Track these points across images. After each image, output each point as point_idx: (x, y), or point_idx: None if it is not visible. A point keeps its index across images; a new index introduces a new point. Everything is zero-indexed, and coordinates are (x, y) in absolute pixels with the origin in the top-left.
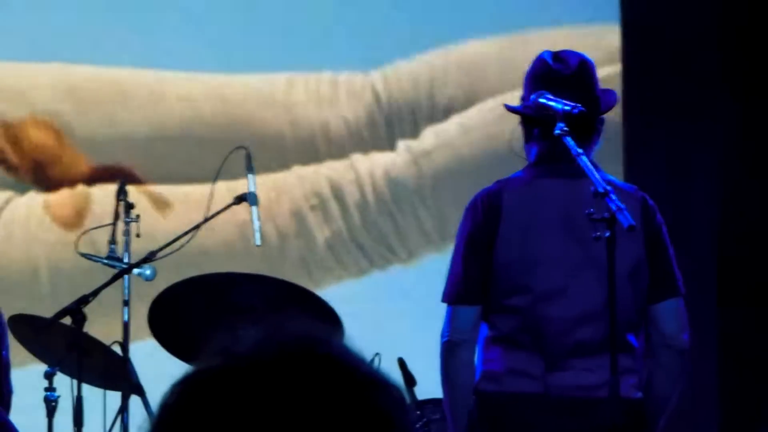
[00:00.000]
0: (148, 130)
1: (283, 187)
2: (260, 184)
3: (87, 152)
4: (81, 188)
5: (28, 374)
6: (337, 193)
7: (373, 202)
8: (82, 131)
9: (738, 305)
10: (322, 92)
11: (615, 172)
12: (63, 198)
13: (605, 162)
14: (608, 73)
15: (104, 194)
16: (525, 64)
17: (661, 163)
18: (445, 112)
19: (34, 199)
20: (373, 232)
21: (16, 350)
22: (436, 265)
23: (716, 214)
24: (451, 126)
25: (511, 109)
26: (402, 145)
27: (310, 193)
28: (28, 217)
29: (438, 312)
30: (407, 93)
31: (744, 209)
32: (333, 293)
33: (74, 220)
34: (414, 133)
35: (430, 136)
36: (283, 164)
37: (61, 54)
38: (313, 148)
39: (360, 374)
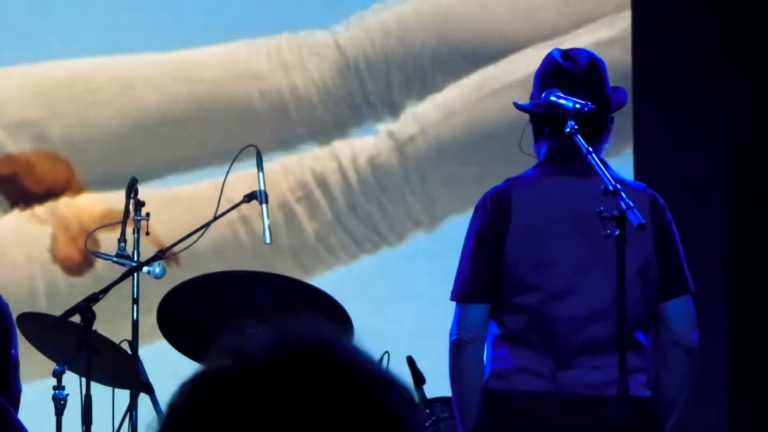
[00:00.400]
0: (122, 123)
1: (270, 182)
2: (244, 180)
3: (65, 155)
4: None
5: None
6: (322, 183)
7: (358, 189)
8: (57, 135)
9: (748, 304)
10: (284, 56)
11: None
12: (66, 241)
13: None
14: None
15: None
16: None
17: (671, 159)
18: (417, 59)
19: (20, 215)
20: (362, 218)
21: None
22: (448, 264)
23: (725, 210)
24: (431, 109)
25: (520, 107)
26: (383, 130)
27: (295, 186)
28: (19, 235)
29: (448, 310)
30: (376, 43)
31: (753, 205)
32: (343, 291)
33: (80, 263)
34: (388, 87)
35: (411, 121)
36: (261, 137)
37: (17, 55)
38: (285, 115)
39: (368, 374)
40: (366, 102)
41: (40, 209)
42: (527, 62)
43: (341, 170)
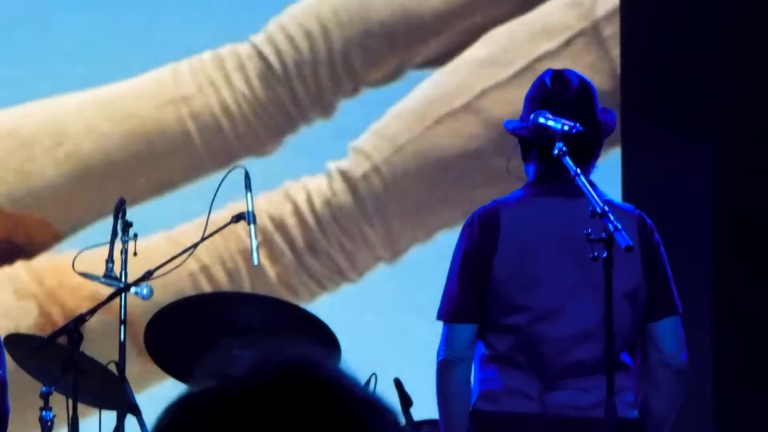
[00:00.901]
0: (60, 174)
1: (227, 230)
2: (200, 227)
3: (11, 211)
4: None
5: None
6: (280, 226)
7: (317, 229)
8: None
9: (735, 323)
10: (210, 75)
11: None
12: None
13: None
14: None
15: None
16: None
17: (659, 176)
18: (344, 51)
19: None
20: (323, 258)
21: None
22: (437, 284)
23: (711, 225)
24: (381, 144)
25: (510, 130)
26: (333, 168)
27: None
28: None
29: (435, 331)
30: (298, 44)
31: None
32: (331, 314)
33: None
34: (318, 87)
35: (362, 159)
36: (201, 160)
37: None
38: (221, 134)
39: (353, 397)
40: (297, 106)
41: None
42: (467, 86)
43: (297, 212)
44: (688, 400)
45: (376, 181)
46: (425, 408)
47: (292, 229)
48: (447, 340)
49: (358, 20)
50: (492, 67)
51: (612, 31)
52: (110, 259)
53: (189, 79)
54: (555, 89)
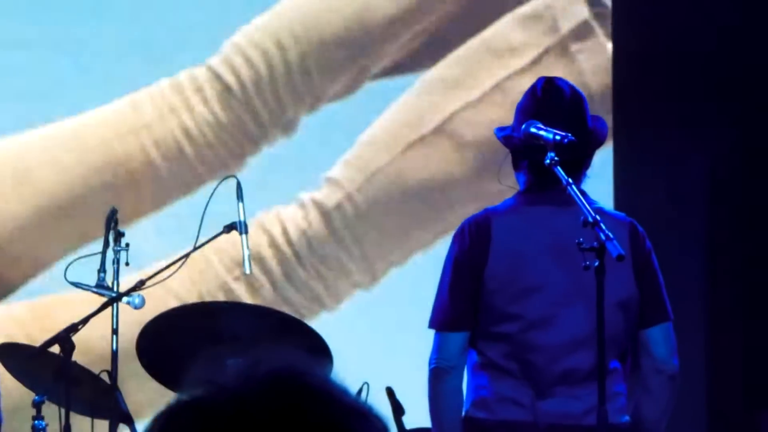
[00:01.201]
0: (25, 212)
1: (204, 263)
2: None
3: None
4: None
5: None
6: (257, 259)
7: (294, 260)
8: None
9: (726, 328)
10: (169, 101)
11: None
12: None
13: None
14: None
15: None
16: None
17: (653, 177)
18: (302, 66)
19: None
20: (301, 288)
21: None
22: (428, 294)
23: (705, 229)
24: (353, 174)
25: (501, 139)
26: (307, 199)
27: (231, 265)
28: None
29: (427, 339)
30: (255, 63)
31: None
32: (324, 323)
33: None
34: (279, 104)
35: (335, 188)
36: (166, 186)
37: None
38: (184, 159)
39: (342, 404)
40: (259, 126)
41: None
42: (436, 109)
43: (274, 245)
44: (679, 406)
45: (350, 209)
46: (417, 417)
47: (270, 261)
48: (438, 348)
49: (314, 33)
50: (460, 89)
51: (579, 46)
52: (102, 269)
53: (149, 107)
54: (546, 98)
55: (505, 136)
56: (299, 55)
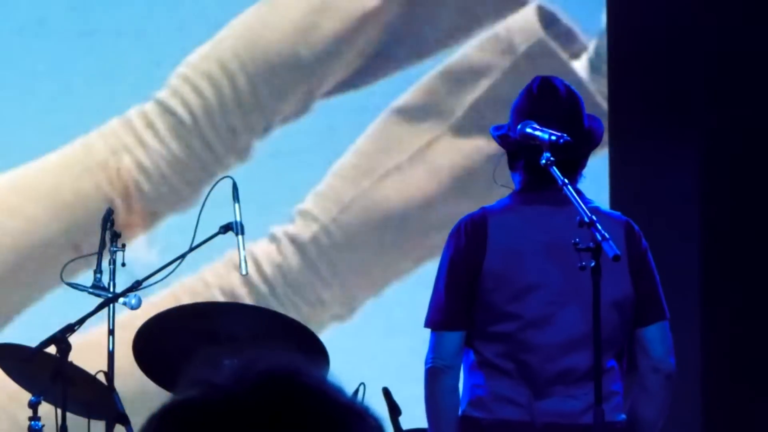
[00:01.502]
0: None
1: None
2: (148, 311)
3: None
4: None
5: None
6: (232, 297)
7: (269, 295)
8: None
9: (722, 327)
10: (122, 139)
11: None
12: None
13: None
14: None
15: None
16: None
17: (647, 176)
18: (251, 90)
19: None
20: None
21: None
22: (423, 295)
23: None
24: (324, 204)
25: (497, 139)
26: (280, 233)
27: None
28: None
29: (423, 339)
30: (204, 92)
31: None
32: (320, 325)
33: None
34: (230, 131)
35: (309, 221)
36: (129, 224)
37: None
38: (143, 196)
39: (337, 404)
40: (212, 153)
41: None
42: (410, 138)
43: (248, 282)
44: (676, 405)
45: (326, 241)
46: (414, 417)
47: (245, 300)
48: (434, 348)
49: (260, 56)
50: (432, 117)
51: (534, 65)
52: (98, 270)
53: (101, 147)
54: (542, 97)
55: (501, 135)
56: (247, 79)
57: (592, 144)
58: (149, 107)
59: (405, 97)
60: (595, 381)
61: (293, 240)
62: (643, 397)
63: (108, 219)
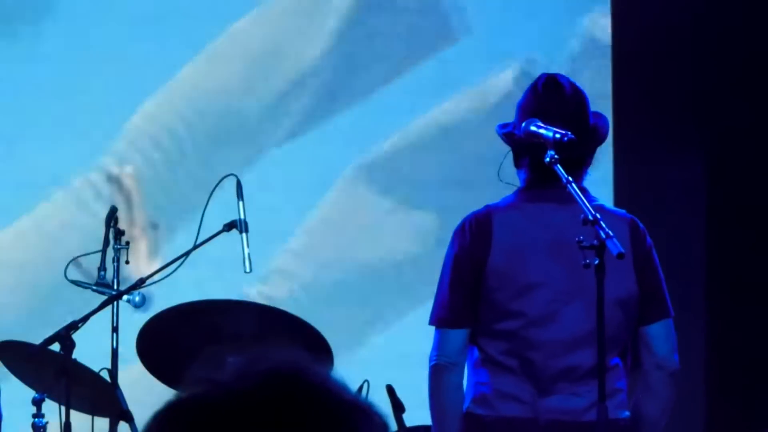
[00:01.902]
0: None
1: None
2: None
3: None
4: None
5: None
6: None
7: None
8: None
9: (726, 325)
10: (69, 209)
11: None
12: None
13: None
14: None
15: None
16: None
17: (652, 175)
18: (198, 152)
19: None
20: None
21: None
22: (425, 292)
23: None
24: (297, 262)
25: (502, 136)
26: (255, 293)
27: None
28: None
29: (428, 336)
30: (152, 156)
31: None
32: (324, 321)
33: None
34: (179, 195)
35: (283, 279)
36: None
37: None
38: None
39: (341, 401)
40: (163, 216)
41: None
42: (379, 194)
43: None
44: (679, 402)
45: (304, 297)
46: (418, 414)
47: None
48: (439, 345)
49: (207, 112)
50: (398, 177)
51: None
52: (102, 267)
53: (52, 218)
54: (547, 95)
55: (506, 133)
56: (194, 138)
57: (597, 141)
58: (94, 176)
59: (368, 157)
60: (598, 378)
61: (270, 300)
62: (646, 394)
63: (112, 217)
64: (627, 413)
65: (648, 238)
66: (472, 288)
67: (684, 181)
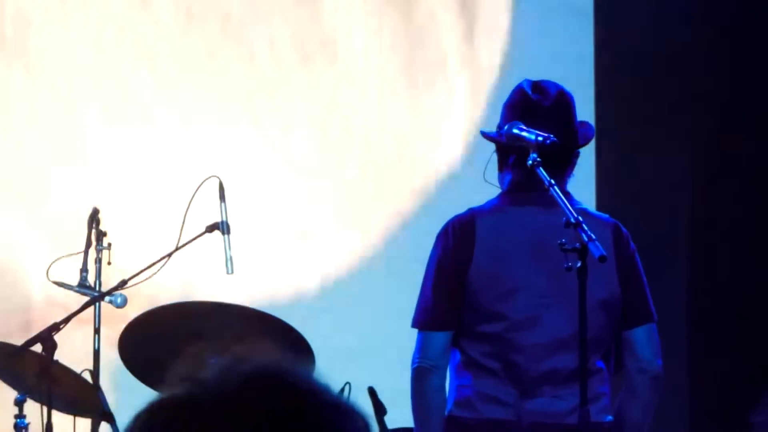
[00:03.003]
0: None
1: None
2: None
3: None
4: None
5: None
6: None
7: None
8: None
9: (708, 328)
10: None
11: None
12: None
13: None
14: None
15: None
16: None
17: (635, 178)
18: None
19: None
20: None
21: None
22: (408, 292)
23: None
24: None
25: (486, 136)
26: (238, 295)
27: None
28: None
29: (410, 338)
30: None
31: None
32: (307, 323)
33: None
34: None
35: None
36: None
37: None
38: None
39: (324, 402)
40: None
41: None
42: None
43: None
44: (663, 406)
45: (285, 300)
46: (400, 416)
47: None
48: (421, 348)
49: None
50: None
51: None
52: (84, 268)
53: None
54: (534, 96)
55: (490, 136)
56: None
57: (581, 145)
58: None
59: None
60: (580, 380)
61: (252, 302)
62: (629, 398)
63: (94, 218)
64: (610, 418)
65: (631, 242)
66: (455, 291)
67: (668, 185)
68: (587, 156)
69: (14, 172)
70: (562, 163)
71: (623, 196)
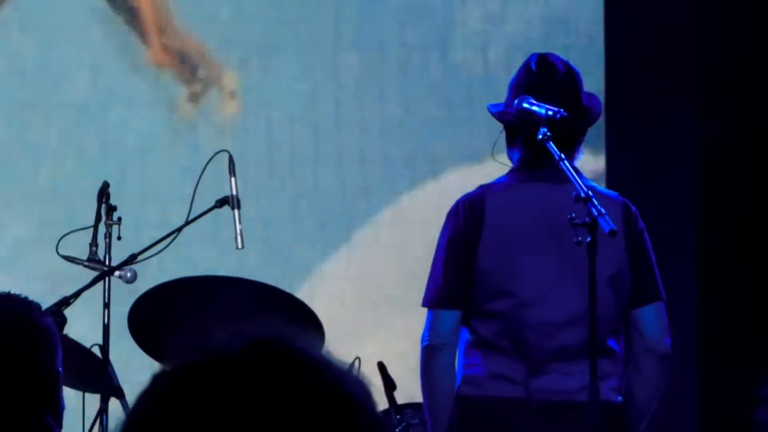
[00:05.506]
0: None
1: None
2: None
3: None
4: None
5: None
6: None
7: None
8: None
9: (718, 307)
10: None
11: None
12: None
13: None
14: None
15: None
16: None
17: (641, 163)
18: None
19: None
20: None
21: None
22: (419, 269)
23: (695, 216)
24: None
25: (494, 113)
26: (246, 269)
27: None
28: None
29: (420, 316)
30: None
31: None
32: (316, 298)
33: None
34: None
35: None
36: None
37: None
38: None
39: (325, 363)
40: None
41: None
42: None
43: None
44: (671, 386)
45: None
46: (409, 392)
47: None
48: (431, 326)
49: None
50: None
51: None
52: (94, 243)
53: None
54: (539, 73)
55: (499, 112)
56: None
57: (590, 120)
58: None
59: None
60: (590, 356)
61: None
62: (637, 377)
63: (104, 192)
64: (620, 398)
65: (640, 221)
66: (465, 270)
67: (677, 168)
68: (598, 152)
69: (23, 148)
70: (571, 138)
71: (633, 178)
